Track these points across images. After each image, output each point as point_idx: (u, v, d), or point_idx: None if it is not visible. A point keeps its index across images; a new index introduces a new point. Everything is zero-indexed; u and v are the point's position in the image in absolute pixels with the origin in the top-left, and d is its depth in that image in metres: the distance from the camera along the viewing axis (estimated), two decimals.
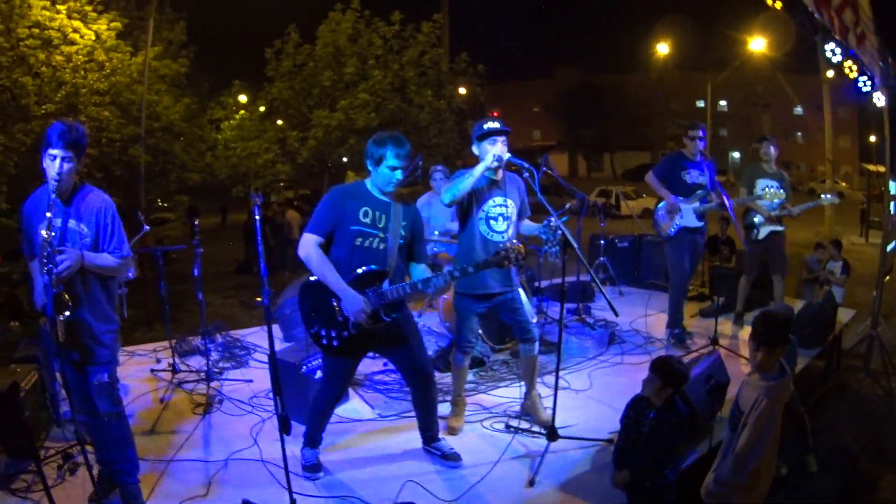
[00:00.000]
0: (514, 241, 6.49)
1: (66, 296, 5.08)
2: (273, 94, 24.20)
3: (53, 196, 5.12)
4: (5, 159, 16.62)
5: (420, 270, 6.36)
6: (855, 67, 12.08)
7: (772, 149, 11.11)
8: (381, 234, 6.15)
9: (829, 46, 11.16)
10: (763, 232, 11.09)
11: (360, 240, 6.11)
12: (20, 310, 18.00)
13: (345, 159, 25.82)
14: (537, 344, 7.60)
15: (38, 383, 7.39)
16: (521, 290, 7.55)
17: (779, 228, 11.05)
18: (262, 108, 26.18)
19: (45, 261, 4.96)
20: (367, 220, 6.14)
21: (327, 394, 6.67)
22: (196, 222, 9.57)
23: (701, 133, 10.12)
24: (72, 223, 5.38)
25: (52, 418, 7.67)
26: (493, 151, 6.94)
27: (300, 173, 27.32)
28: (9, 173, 16.87)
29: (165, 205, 34.39)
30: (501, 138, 7.06)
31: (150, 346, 10.82)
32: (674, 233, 10.15)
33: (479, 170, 6.92)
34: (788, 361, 6.42)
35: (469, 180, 6.89)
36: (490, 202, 7.14)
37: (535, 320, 7.56)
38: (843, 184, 55.27)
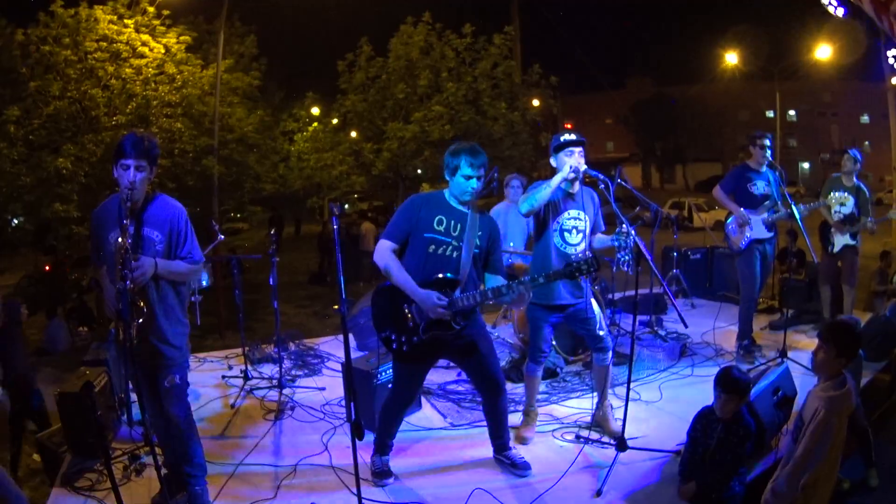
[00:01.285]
0: (588, 253, 6.52)
1: (142, 302, 5.20)
2: (347, 106, 24.35)
3: (128, 204, 5.24)
4: (76, 169, 16.89)
5: (495, 281, 6.38)
6: None
7: (849, 163, 11.11)
8: (455, 243, 6.18)
9: (892, 52, 11.02)
10: (838, 245, 11.10)
11: (433, 247, 6.17)
12: (89, 315, 18.32)
13: (419, 171, 25.90)
14: (610, 353, 7.58)
15: (108, 385, 7.53)
16: (593, 301, 7.54)
17: (852, 242, 11.08)
18: (335, 121, 26.32)
19: (120, 268, 5.05)
20: (441, 228, 6.19)
21: (396, 399, 6.71)
22: (274, 232, 9.69)
23: (767, 143, 10.06)
24: (145, 231, 5.49)
25: (120, 420, 7.83)
26: (570, 162, 6.97)
27: (374, 185, 27.42)
28: (79, 182, 17.13)
29: (238, 216, 34.69)
30: (578, 149, 7.08)
31: (222, 353, 10.98)
32: (745, 246, 10.07)
33: (556, 181, 6.96)
34: (854, 374, 6.40)
35: (546, 191, 6.91)
36: (565, 214, 7.18)
37: (605, 332, 7.51)
38: None
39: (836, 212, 11.06)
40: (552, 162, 7.29)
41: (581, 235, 7.25)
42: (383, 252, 6.24)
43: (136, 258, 5.21)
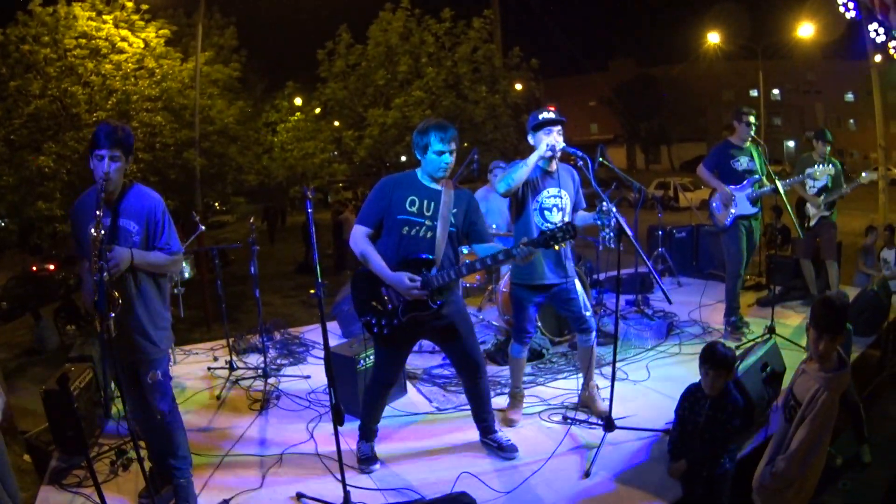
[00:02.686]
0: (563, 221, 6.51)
1: (116, 293, 5.11)
2: (327, 94, 24.41)
3: (102, 195, 5.15)
4: (58, 167, 16.90)
5: (484, 249, 6.34)
6: None
7: (821, 144, 11.21)
8: (429, 223, 6.15)
9: (873, 27, 10.98)
10: (814, 218, 11.19)
11: (406, 229, 6.15)
12: (77, 313, 18.29)
13: (403, 158, 25.93)
14: (594, 334, 7.58)
15: (93, 381, 7.48)
16: (577, 282, 7.51)
17: (826, 213, 11.19)
18: (317, 110, 26.32)
19: (95, 259, 4.98)
20: (414, 209, 6.16)
21: (379, 382, 6.70)
22: (269, 223, 9.63)
23: (751, 119, 10.03)
24: (121, 222, 5.42)
25: (107, 415, 7.78)
26: (548, 141, 6.95)
27: (358, 173, 27.44)
28: (62, 180, 17.13)
29: (223, 208, 34.62)
30: (557, 128, 7.07)
31: (208, 345, 10.94)
32: (730, 223, 10.08)
33: (532, 159, 6.94)
34: (844, 350, 6.36)
35: (523, 170, 6.89)
36: (544, 193, 7.15)
37: (589, 313, 7.50)
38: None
39: (810, 186, 11.10)
40: (530, 139, 7.28)
41: (561, 213, 7.22)
42: (357, 237, 6.25)
43: (110, 249, 5.13)
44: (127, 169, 5.52)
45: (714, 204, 10.30)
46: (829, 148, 11.18)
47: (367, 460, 6.63)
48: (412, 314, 6.12)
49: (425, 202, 6.19)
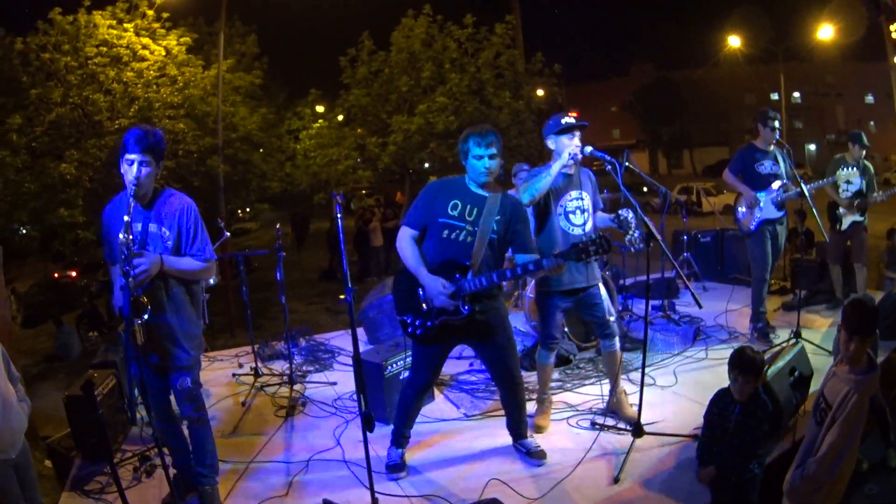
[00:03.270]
0: (593, 233, 6.51)
1: (145, 299, 5.08)
2: (351, 101, 24.40)
3: (132, 200, 5.15)
4: (80, 174, 16.94)
5: (523, 258, 6.34)
6: None
7: (857, 150, 11.13)
8: (470, 228, 6.19)
9: (894, 27, 10.90)
10: (846, 223, 11.11)
11: (446, 232, 6.20)
12: (100, 320, 18.37)
13: (426, 165, 25.93)
14: (618, 339, 7.58)
15: (116, 388, 7.49)
16: (601, 286, 7.54)
17: (859, 219, 11.06)
18: (339, 117, 26.34)
19: (123, 264, 4.99)
20: (455, 213, 6.22)
21: (413, 384, 6.71)
22: (299, 230, 9.64)
23: (776, 124, 9.99)
24: (153, 227, 5.42)
25: (131, 421, 7.79)
26: (570, 147, 6.99)
27: (382, 180, 27.43)
28: (84, 187, 17.17)
29: (246, 215, 34.71)
30: (578, 133, 7.11)
31: (233, 352, 10.97)
32: (755, 227, 10.07)
33: (555, 169, 6.96)
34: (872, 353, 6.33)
35: (547, 179, 6.92)
36: (567, 196, 7.19)
37: (613, 318, 7.54)
38: None
39: (843, 190, 11.03)
40: (550, 144, 7.34)
41: (585, 215, 7.27)
42: (402, 237, 6.34)
43: (140, 254, 5.14)
44: (159, 174, 5.51)
45: (739, 208, 10.28)
46: (864, 152, 11.13)
47: (395, 467, 6.63)
48: (444, 318, 6.14)
49: (468, 207, 6.24)
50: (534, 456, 6.75)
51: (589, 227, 7.28)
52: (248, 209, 33.03)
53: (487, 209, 6.24)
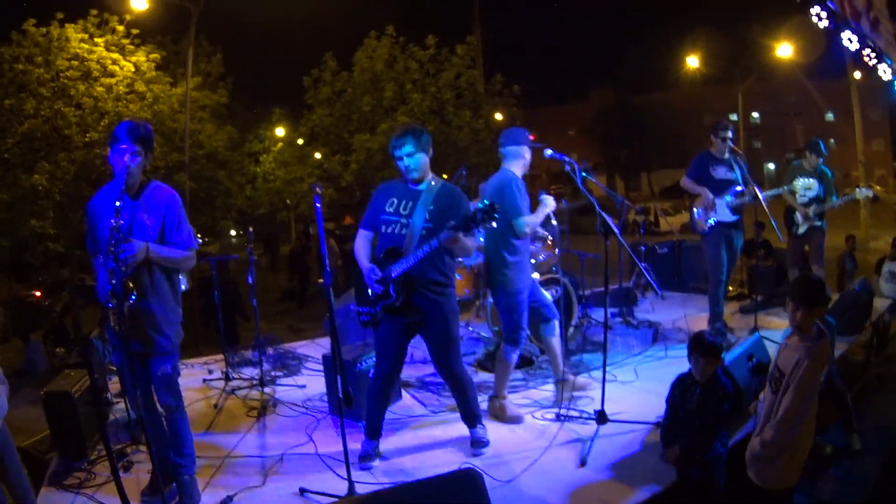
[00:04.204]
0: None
1: (131, 284, 5.24)
2: (314, 121, 24.44)
3: (122, 188, 5.34)
4: (51, 186, 16.92)
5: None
6: (874, 55, 12.12)
7: (813, 158, 11.42)
8: (404, 220, 6.55)
9: (846, 35, 11.16)
10: (802, 228, 11.33)
11: (384, 227, 6.65)
12: (67, 336, 18.36)
13: None
14: (556, 322, 8.14)
15: (92, 386, 7.59)
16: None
17: (817, 223, 11.27)
18: (300, 141, 26.44)
19: (112, 248, 5.17)
20: (391, 209, 6.65)
21: (376, 372, 6.96)
22: (270, 252, 9.73)
23: (728, 134, 10.37)
24: (139, 216, 5.57)
25: (105, 419, 7.90)
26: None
27: (343, 200, 27.49)
28: (54, 200, 17.16)
29: (206, 240, 34.57)
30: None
31: (202, 360, 11.03)
32: (709, 230, 10.38)
33: (541, 216, 7.78)
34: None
35: (539, 220, 7.69)
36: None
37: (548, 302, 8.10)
38: (878, 187, 54.87)
39: (801, 196, 11.28)
40: (512, 148, 7.81)
41: None
42: (357, 237, 6.83)
43: (127, 241, 5.29)
44: (147, 165, 5.70)
45: (695, 209, 10.62)
46: (821, 160, 11.42)
47: (367, 456, 6.79)
48: (382, 303, 6.52)
49: (404, 202, 6.64)
50: (473, 445, 6.98)
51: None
52: (207, 235, 32.96)
53: (422, 202, 6.55)
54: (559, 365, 8.25)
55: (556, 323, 8.08)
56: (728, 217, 10.27)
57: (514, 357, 7.82)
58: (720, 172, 10.34)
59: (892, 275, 13.73)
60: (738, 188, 10.20)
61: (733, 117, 59.07)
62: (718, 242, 10.36)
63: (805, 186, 11.11)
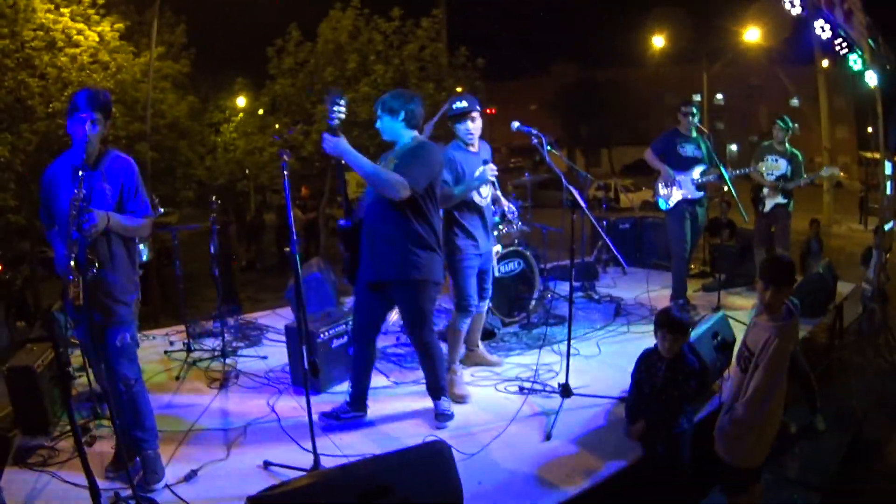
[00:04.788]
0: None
1: (90, 255, 5.20)
2: (276, 90, 24.34)
3: (83, 157, 5.26)
4: (13, 157, 16.76)
5: None
6: (845, 45, 12.16)
7: (780, 133, 11.50)
8: None
9: (819, 23, 11.17)
10: (768, 205, 11.37)
11: None
12: (28, 310, 18.17)
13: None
14: (487, 302, 8.30)
15: (57, 360, 7.52)
16: (493, 255, 8.35)
17: (783, 202, 11.30)
18: (260, 112, 26.32)
19: (74, 218, 5.10)
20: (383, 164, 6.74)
21: (352, 329, 7.20)
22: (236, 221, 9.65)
23: (694, 110, 10.55)
24: (97, 185, 5.50)
25: (69, 394, 7.82)
26: (471, 129, 7.68)
27: (304, 170, 27.41)
28: (16, 171, 17.00)
29: (166, 210, 34.47)
30: (475, 114, 7.68)
31: (163, 331, 10.92)
32: (673, 205, 10.50)
33: (476, 185, 7.57)
34: None
35: (465, 192, 7.51)
36: (476, 174, 7.58)
37: (487, 285, 8.12)
38: (842, 173, 55.35)
39: (768, 173, 11.29)
40: (450, 123, 7.87)
41: (489, 187, 7.79)
42: None
43: (88, 210, 5.20)
44: (105, 133, 5.62)
45: (658, 185, 10.75)
46: (788, 132, 11.49)
47: (333, 415, 6.99)
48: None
49: (384, 161, 6.87)
50: (437, 418, 6.98)
51: (490, 198, 7.87)
52: (167, 205, 32.91)
53: (394, 157, 6.70)
54: (474, 343, 8.47)
55: (487, 304, 8.28)
56: (692, 194, 10.40)
57: (463, 325, 7.83)
58: (687, 150, 10.47)
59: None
60: (703, 166, 10.26)
61: (697, 97, 59.38)
62: (682, 218, 10.48)
63: (770, 168, 11.15)
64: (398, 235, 6.46)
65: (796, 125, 11.23)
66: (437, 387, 7.02)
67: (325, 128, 6.09)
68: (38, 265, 19.21)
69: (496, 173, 7.47)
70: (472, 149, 7.65)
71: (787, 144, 11.41)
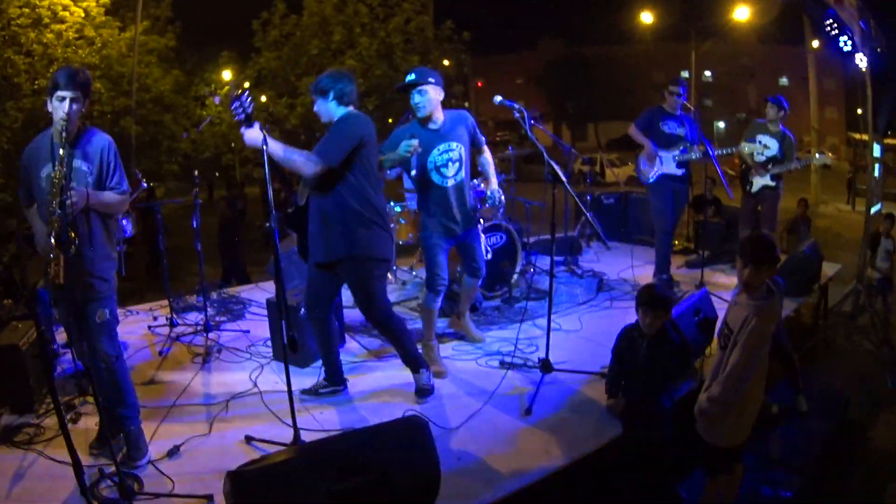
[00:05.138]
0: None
1: (72, 233, 5.21)
2: (261, 63, 24.29)
3: (64, 135, 5.27)
4: None
5: None
6: (836, 26, 12.14)
7: (772, 111, 11.28)
8: None
9: (828, 22, 11.15)
10: (756, 185, 11.28)
11: None
12: (15, 287, 18.14)
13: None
14: (481, 278, 8.17)
15: (39, 338, 7.51)
16: (481, 234, 8.25)
17: (771, 184, 11.21)
18: (246, 84, 26.21)
19: (56, 195, 5.13)
20: None
21: (304, 302, 7.18)
22: (197, 183, 9.59)
23: (681, 90, 10.57)
24: (76, 163, 5.51)
25: (52, 372, 7.81)
26: (416, 102, 7.35)
27: (289, 144, 27.35)
28: (2, 149, 16.97)
29: (152, 185, 34.39)
30: (419, 89, 7.33)
31: (147, 306, 10.91)
32: (654, 179, 10.63)
33: (395, 157, 7.30)
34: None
35: (389, 163, 7.38)
36: (434, 152, 7.38)
37: (478, 264, 8.05)
38: (830, 154, 55.17)
39: (758, 153, 11.25)
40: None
41: (457, 164, 7.50)
42: None
43: (70, 188, 5.24)
44: (83, 111, 5.62)
45: (641, 158, 10.85)
46: (782, 113, 11.25)
47: (309, 390, 7.09)
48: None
49: None
50: (418, 392, 7.00)
51: (462, 174, 7.57)
52: (151, 180, 32.85)
53: None
54: (464, 312, 8.58)
55: (481, 280, 8.26)
56: (673, 170, 10.50)
57: (435, 303, 7.81)
58: (670, 127, 10.53)
59: (887, 253, 13.70)
60: (686, 144, 10.32)
61: (685, 74, 59.32)
62: (664, 194, 10.60)
63: (753, 150, 11.12)
64: (337, 214, 6.44)
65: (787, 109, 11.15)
66: (411, 359, 7.03)
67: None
68: (25, 243, 19.21)
69: (412, 150, 7.17)
70: (430, 125, 7.42)
71: (779, 125, 11.36)
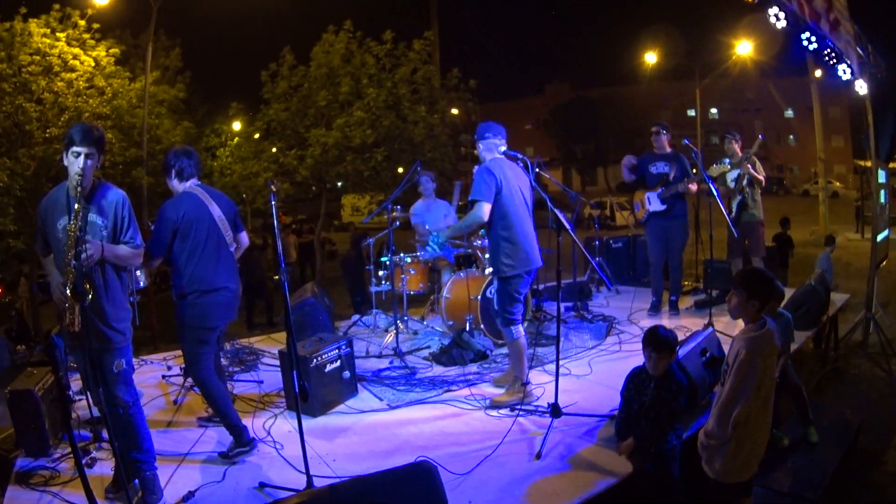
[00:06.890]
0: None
1: (87, 284, 5.34)
2: (270, 115, 24.36)
3: (79, 190, 5.43)
4: (12, 182, 16.83)
5: None
6: (833, 55, 12.23)
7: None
8: None
9: (805, 35, 11.19)
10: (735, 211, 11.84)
11: None
12: (28, 333, 18.24)
13: (339, 184, 26.12)
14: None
15: (57, 384, 7.61)
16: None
17: (757, 217, 11.79)
18: (256, 136, 26.34)
19: (70, 247, 5.30)
20: None
21: None
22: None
23: (661, 129, 11.39)
24: (91, 217, 5.67)
25: (69, 417, 7.90)
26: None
27: (298, 194, 27.43)
28: (15, 196, 17.07)
29: None
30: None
31: (161, 356, 10.98)
32: (644, 219, 11.45)
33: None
34: (785, 339, 6.73)
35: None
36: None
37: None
38: (838, 183, 55.38)
39: (731, 181, 11.86)
40: (480, 145, 8.16)
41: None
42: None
43: (85, 241, 5.39)
44: (98, 166, 5.78)
45: (635, 203, 11.65)
46: (736, 146, 12.21)
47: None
48: None
49: None
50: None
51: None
52: None
53: None
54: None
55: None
56: (658, 207, 11.19)
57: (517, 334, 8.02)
58: (657, 167, 11.25)
59: None
60: (670, 181, 11.00)
61: (691, 113, 59.49)
62: (651, 230, 11.48)
63: (716, 171, 11.83)
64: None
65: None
66: (230, 426, 7.06)
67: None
68: (38, 289, 19.32)
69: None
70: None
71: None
